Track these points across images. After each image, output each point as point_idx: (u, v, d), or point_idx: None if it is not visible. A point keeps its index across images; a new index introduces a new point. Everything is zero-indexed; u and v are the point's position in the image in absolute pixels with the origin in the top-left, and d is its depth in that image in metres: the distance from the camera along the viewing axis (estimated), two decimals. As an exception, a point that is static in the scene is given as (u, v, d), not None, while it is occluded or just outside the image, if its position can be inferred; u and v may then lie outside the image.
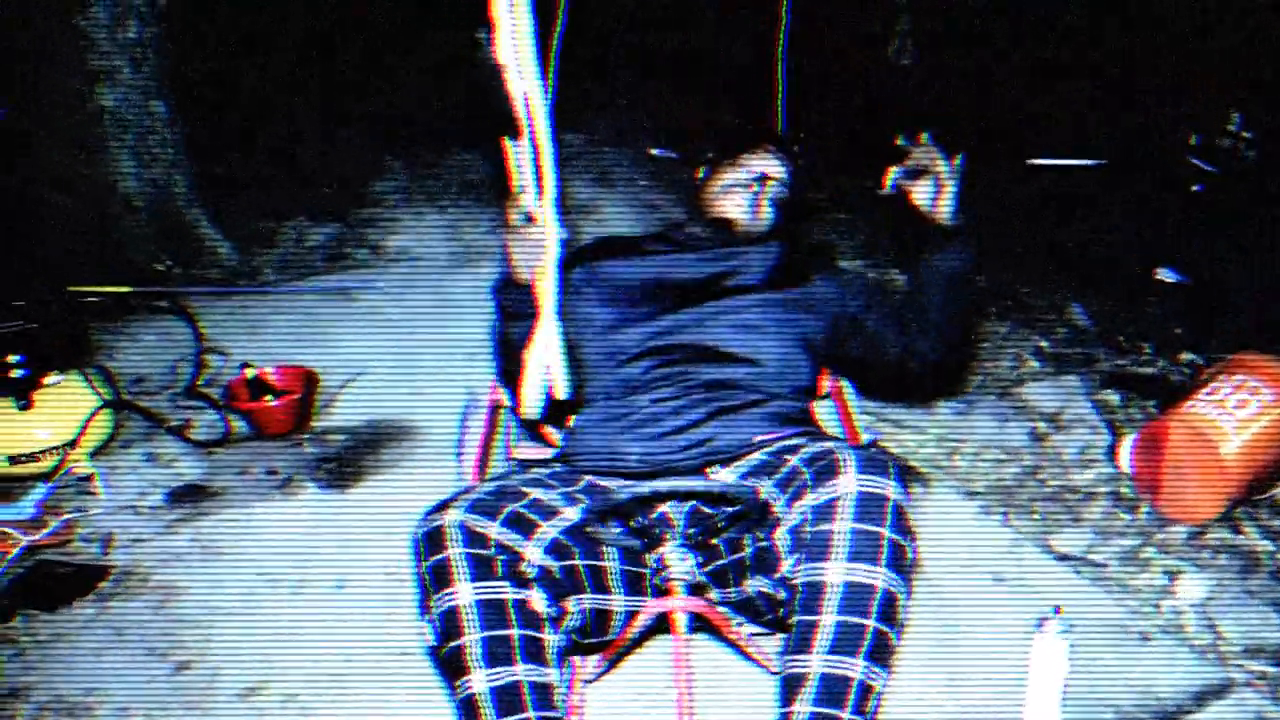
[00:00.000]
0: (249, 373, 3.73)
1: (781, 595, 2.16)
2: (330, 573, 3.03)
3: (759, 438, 2.41)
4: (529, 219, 2.29)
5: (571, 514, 2.22)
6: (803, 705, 2.00)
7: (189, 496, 3.40)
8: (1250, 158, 5.26)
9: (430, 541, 2.07)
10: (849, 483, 2.03)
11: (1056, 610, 2.43)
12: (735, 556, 2.27)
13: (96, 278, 4.39)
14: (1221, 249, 4.85)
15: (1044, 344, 4.27)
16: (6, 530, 3.13)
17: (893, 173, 2.39)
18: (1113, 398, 3.87)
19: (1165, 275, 4.65)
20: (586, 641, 2.29)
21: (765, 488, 2.19)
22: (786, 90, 3.96)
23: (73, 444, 3.46)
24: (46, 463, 3.44)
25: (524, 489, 2.25)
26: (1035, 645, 2.47)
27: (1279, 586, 3.06)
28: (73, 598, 2.92)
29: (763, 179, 2.85)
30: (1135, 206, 5.12)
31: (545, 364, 2.38)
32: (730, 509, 2.16)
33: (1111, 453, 3.57)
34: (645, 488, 2.09)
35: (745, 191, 2.84)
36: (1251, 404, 3.30)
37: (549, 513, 2.20)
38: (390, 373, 4.05)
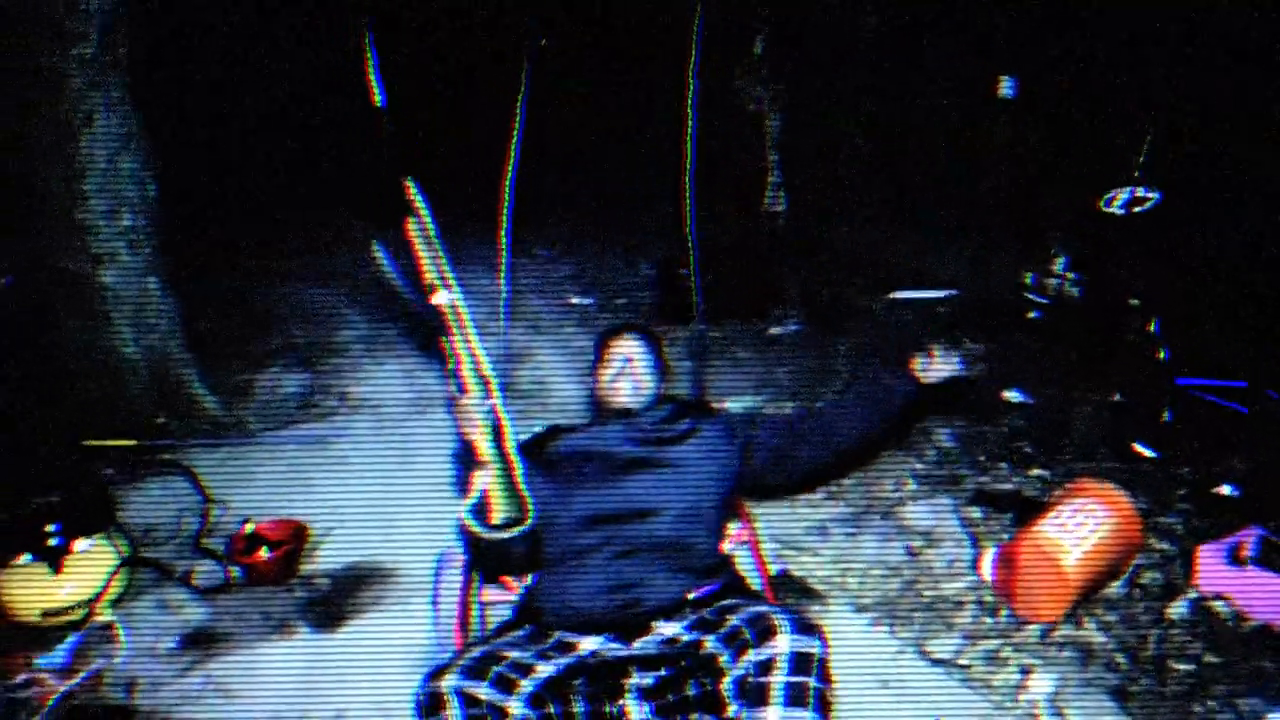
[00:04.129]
0: (248, 528, 3.93)
1: None
2: (328, 707, 3.22)
3: (691, 595, 2.69)
4: (462, 390, 2.63)
5: (544, 669, 2.51)
6: None
7: (198, 642, 3.59)
8: (1075, 295, 5.65)
9: (432, 702, 2.37)
10: (784, 643, 2.38)
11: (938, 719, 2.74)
12: (680, 697, 2.54)
13: (107, 434, 4.59)
14: (1058, 373, 5.20)
15: (918, 465, 4.57)
16: (44, 677, 3.31)
17: (918, 363, 2.89)
18: (976, 514, 4.17)
19: (1012, 395, 4.97)
20: None
21: (709, 642, 2.50)
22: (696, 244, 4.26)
23: (97, 598, 3.65)
24: (74, 615, 3.61)
25: (503, 652, 2.54)
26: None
27: (1110, 676, 3.36)
28: None
29: (628, 361, 3.15)
30: (986, 335, 5.44)
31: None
32: (680, 664, 2.48)
33: (975, 564, 3.86)
34: (610, 654, 2.42)
35: (621, 376, 3.13)
36: (1088, 523, 3.65)
37: (525, 670, 2.49)
38: (363, 517, 4.23)
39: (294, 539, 3.99)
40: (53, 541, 3.65)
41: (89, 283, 4.73)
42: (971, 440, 4.75)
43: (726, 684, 2.42)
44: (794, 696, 2.33)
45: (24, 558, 3.63)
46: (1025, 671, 3.39)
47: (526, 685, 2.45)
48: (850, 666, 3.26)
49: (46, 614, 3.59)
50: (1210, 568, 3.70)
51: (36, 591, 3.58)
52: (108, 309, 4.77)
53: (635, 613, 2.67)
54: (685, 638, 2.57)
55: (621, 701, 2.49)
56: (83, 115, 4.56)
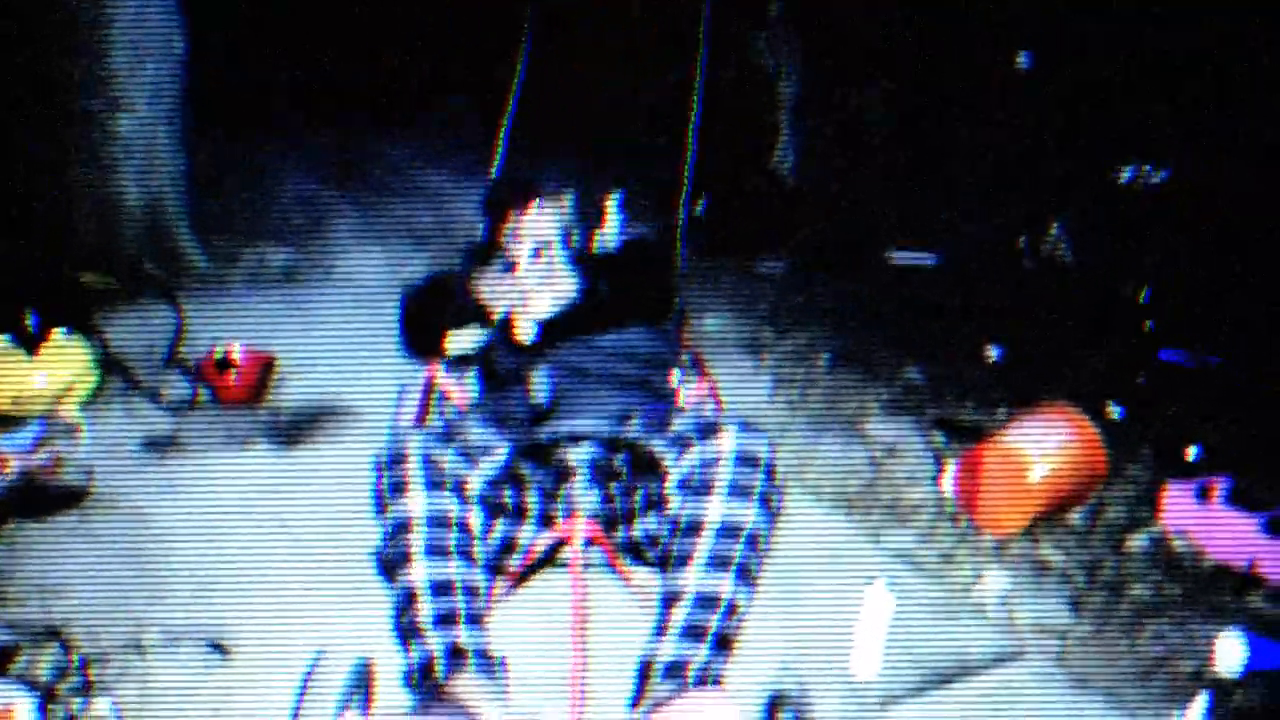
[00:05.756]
0: (218, 352, 3.79)
1: (664, 531, 2.29)
2: (275, 515, 3.11)
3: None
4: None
5: (503, 451, 2.35)
6: (679, 613, 2.15)
7: (158, 445, 3.48)
8: (1065, 257, 5.55)
9: (394, 460, 2.25)
10: (730, 441, 2.22)
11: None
12: (627, 503, 2.39)
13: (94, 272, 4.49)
14: (1040, 332, 5.09)
15: (884, 394, 4.44)
16: (4, 454, 3.19)
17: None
18: (939, 438, 4.03)
19: (992, 352, 4.85)
20: (501, 561, 2.41)
21: (656, 445, 2.33)
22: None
23: (67, 391, 3.56)
24: (43, 406, 3.53)
25: (469, 429, 2.43)
26: (866, 597, 2.62)
27: (1064, 585, 3.22)
28: (56, 510, 3.02)
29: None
30: (971, 295, 5.35)
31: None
32: (626, 454, 2.36)
33: (936, 479, 3.72)
34: (563, 428, 2.26)
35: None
36: (1053, 438, 3.51)
37: (487, 449, 2.36)
38: (334, 363, 4.13)
39: (262, 367, 3.86)
40: (29, 326, 3.59)
41: (103, 128, 4.62)
42: (940, 379, 4.62)
43: (670, 482, 2.29)
44: (738, 489, 2.19)
45: (2, 340, 3.57)
46: (979, 574, 3.24)
47: (487, 464, 2.34)
48: (798, 542, 3.17)
49: (17, 401, 3.51)
50: (1176, 504, 3.57)
51: (10, 375, 3.51)
52: (116, 156, 4.67)
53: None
54: (630, 435, 2.41)
55: (569, 485, 2.36)
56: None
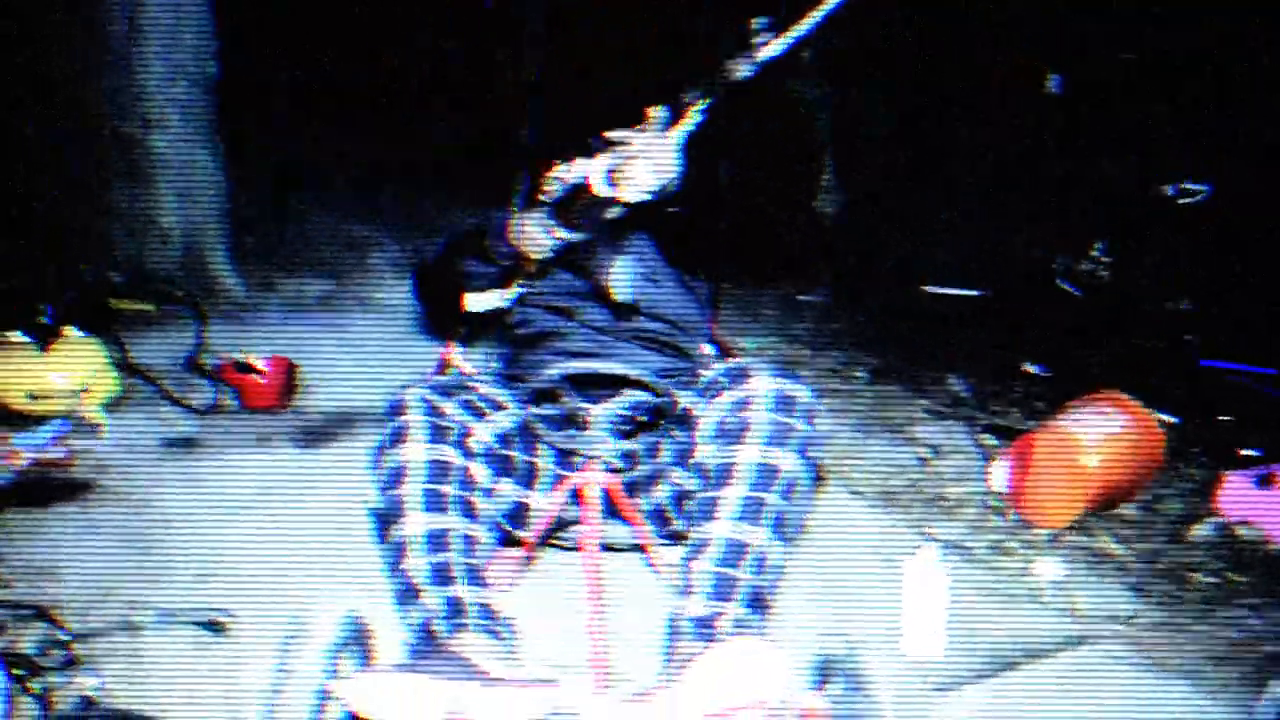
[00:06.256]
0: (239, 358, 3.70)
1: (693, 483, 2.08)
2: (290, 496, 3.03)
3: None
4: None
5: (515, 408, 2.18)
6: (705, 564, 1.94)
7: (180, 445, 3.38)
8: (1105, 278, 5.38)
9: (394, 408, 2.05)
10: (766, 383, 2.01)
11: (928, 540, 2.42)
12: (653, 465, 2.20)
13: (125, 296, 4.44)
14: (1081, 346, 4.91)
15: (928, 404, 4.27)
16: (18, 450, 3.04)
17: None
18: (987, 438, 3.84)
19: (1032, 369, 4.66)
20: (510, 531, 2.21)
21: (684, 396, 2.13)
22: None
23: (84, 391, 3.47)
24: (60, 404, 3.43)
25: (476, 383, 2.21)
26: (912, 567, 2.43)
27: (1125, 573, 3.01)
28: (60, 501, 2.92)
29: None
30: (1010, 319, 5.20)
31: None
32: (653, 401, 2.12)
33: (984, 474, 3.51)
34: (576, 366, 2.06)
35: None
36: (1107, 425, 3.30)
37: (496, 405, 2.17)
38: (363, 372, 4.02)
39: (284, 372, 3.75)
40: (43, 320, 3.56)
41: (139, 146, 4.57)
42: (985, 391, 4.44)
43: (700, 431, 2.06)
44: (774, 432, 1.96)
45: (15, 334, 3.52)
46: (1032, 562, 3.03)
47: (498, 418, 2.14)
48: (840, 533, 2.99)
49: (33, 396, 3.42)
50: (1235, 492, 3.38)
51: (24, 369, 3.42)
52: (154, 174, 4.60)
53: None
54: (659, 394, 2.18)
55: (586, 434, 2.11)
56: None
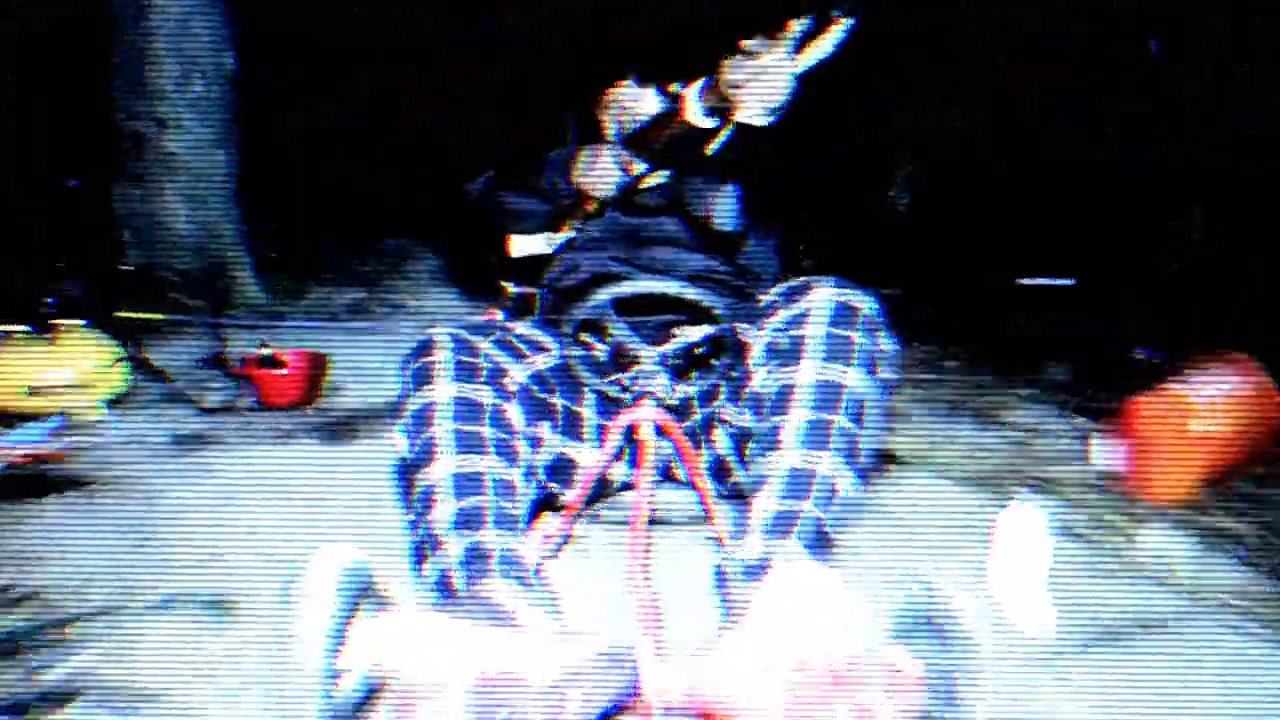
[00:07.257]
0: (264, 351, 3.44)
1: (752, 420, 1.79)
2: (307, 488, 2.73)
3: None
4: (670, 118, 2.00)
5: (555, 350, 1.92)
6: (768, 501, 1.66)
7: (189, 441, 3.10)
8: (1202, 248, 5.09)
9: (419, 349, 1.81)
10: (824, 294, 1.75)
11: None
12: (710, 409, 1.93)
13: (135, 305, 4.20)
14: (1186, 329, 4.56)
15: (1023, 391, 3.97)
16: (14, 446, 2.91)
17: None
18: (1085, 421, 3.51)
19: (1140, 354, 4.33)
20: (554, 489, 1.93)
21: (744, 331, 1.86)
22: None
23: (87, 387, 3.27)
24: (61, 400, 3.23)
25: (514, 326, 1.98)
26: (1004, 518, 2.13)
27: (1237, 546, 2.66)
28: (55, 493, 2.66)
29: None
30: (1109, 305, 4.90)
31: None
32: (708, 331, 1.86)
33: (1083, 453, 3.17)
34: (626, 288, 1.79)
35: None
36: (1220, 389, 2.94)
37: (536, 346, 1.91)
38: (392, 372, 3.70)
39: (312, 365, 3.48)
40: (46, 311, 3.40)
41: (152, 147, 4.38)
42: (1084, 376, 4.15)
43: (755, 354, 1.81)
44: (834, 351, 1.70)
45: (17, 327, 3.36)
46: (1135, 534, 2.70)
47: (537, 358, 1.88)
48: (928, 512, 2.72)
49: (34, 391, 3.22)
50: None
51: (25, 361, 3.24)
52: (167, 176, 4.40)
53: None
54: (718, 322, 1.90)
55: (636, 369, 1.84)
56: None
